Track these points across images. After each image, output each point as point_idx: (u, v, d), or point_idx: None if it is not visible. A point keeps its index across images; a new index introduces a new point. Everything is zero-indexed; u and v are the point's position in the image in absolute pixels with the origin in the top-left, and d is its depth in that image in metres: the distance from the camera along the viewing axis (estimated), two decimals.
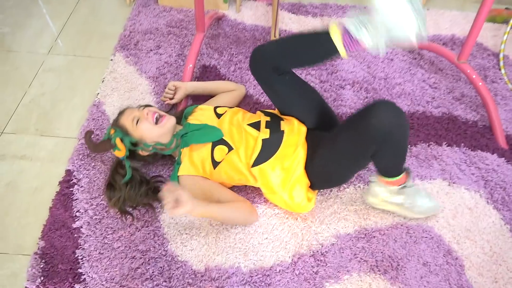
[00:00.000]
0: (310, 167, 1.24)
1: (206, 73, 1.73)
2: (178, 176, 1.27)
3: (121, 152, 1.29)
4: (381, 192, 1.27)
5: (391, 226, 1.30)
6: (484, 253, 1.26)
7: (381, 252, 1.25)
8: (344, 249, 1.25)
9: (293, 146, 1.25)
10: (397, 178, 1.23)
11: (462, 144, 1.52)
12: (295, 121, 1.31)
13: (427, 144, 1.52)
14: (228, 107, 1.42)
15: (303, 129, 1.29)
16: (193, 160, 1.27)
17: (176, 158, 1.32)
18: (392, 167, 1.23)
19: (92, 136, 1.49)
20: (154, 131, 1.27)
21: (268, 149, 1.24)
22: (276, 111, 1.39)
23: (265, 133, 1.27)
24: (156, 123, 1.28)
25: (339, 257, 1.23)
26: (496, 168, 1.46)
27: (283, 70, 1.21)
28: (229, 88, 1.58)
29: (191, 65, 1.61)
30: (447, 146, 1.52)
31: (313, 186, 1.28)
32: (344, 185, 1.40)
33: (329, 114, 1.34)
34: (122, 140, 1.27)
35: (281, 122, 1.31)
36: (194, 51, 1.62)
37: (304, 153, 1.25)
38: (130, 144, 1.27)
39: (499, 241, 1.29)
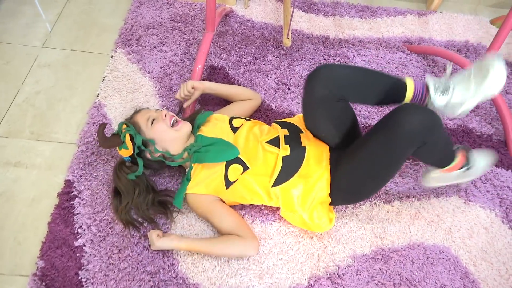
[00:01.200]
0: (334, 186, 1.18)
1: (214, 74, 1.63)
2: (186, 194, 1.20)
3: (127, 151, 1.20)
4: (446, 178, 1.26)
5: (408, 246, 1.27)
6: (501, 275, 1.24)
7: (399, 275, 1.21)
8: (361, 271, 1.21)
9: (317, 164, 1.19)
10: (454, 163, 1.21)
11: None
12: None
13: None
14: (244, 118, 1.34)
15: (325, 146, 1.23)
16: (204, 178, 1.19)
17: (187, 171, 1.24)
18: (444, 157, 1.20)
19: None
20: (169, 134, 1.20)
21: (289, 168, 1.18)
22: (292, 120, 1.32)
23: (285, 150, 1.19)
24: (172, 126, 1.22)
25: (356, 279, 1.19)
26: (511, 185, 1.43)
27: (343, 98, 1.13)
28: (246, 95, 1.48)
29: (200, 66, 1.50)
30: None
31: (334, 203, 1.23)
32: (360, 202, 1.35)
33: (356, 134, 1.26)
34: (132, 138, 1.20)
35: (301, 135, 1.24)
36: (203, 52, 1.51)
37: (328, 173, 1.18)
38: (140, 142, 1.20)
39: None
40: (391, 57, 1.79)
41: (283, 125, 1.29)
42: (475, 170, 1.25)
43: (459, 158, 1.21)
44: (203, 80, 1.60)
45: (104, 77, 1.58)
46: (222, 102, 1.52)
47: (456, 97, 1.09)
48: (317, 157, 1.20)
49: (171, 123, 1.22)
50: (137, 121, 1.23)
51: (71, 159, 1.35)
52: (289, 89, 1.62)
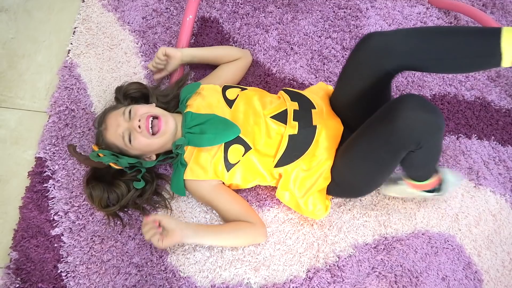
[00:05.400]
0: (332, 175, 1.07)
1: (205, 28, 1.40)
2: (184, 180, 1.06)
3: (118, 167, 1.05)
4: (407, 193, 1.14)
5: (412, 234, 1.20)
6: (504, 266, 1.20)
7: (401, 266, 1.15)
8: (362, 261, 1.15)
9: (326, 148, 1.05)
10: (427, 182, 1.09)
11: (493, 137, 1.37)
12: (331, 114, 1.10)
13: (456, 136, 1.36)
14: (239, 87, 1.15)
15: (339, 128, 1.08)
16: (202, 162, 1.05)
17: (179, 154, 1.08)
18: (422, 172, 1.07)
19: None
20: (154, 145, 1.02)
21: (295, 148, 1.04)
22: (303, 92, 1.15)
23: (292, 128, 1.05)
24: (153, 133, 1.01)
25: (356, 271, 1.13)
26: None
27: (403, 69, 0.94)
28: (233, 55, 1.27)
29: (191, 16, 1.26)
30: (477, 139, 1.36)
31: (328, 192, 1.12)
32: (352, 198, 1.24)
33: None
34: (117, 163, 1.02)
35: (313, 112, 1.08)
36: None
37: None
38: (127, 164, 1.03)
39: None
40: (409, 11, 1.56)
41: (293, 96, 1.11)
42: (441, 195, 1.15)
43: (435, 178, 1.09)
44: (193, 36, 1.38)
45: (75, 28, 1.33)
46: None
47: None
48: (328, 139, 1.06)
49: (150, 130, 1.00)
50: (111, 142, 1.02)
51: (41, 131, 1.18)
52: (292, 49, 1.41)
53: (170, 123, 1.02)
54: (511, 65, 0.85)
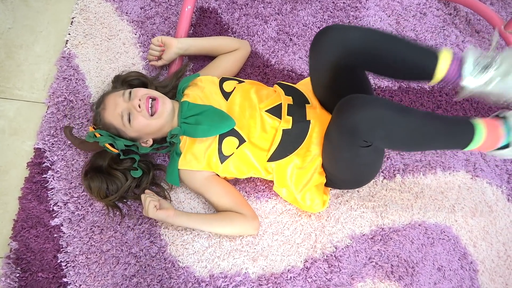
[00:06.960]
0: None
1: (204, 19, 1.39)
2: (179, 169, 1.07)
3: (114, 151, 1.05)
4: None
5: (409, 225, 1.21)
6: (499, 257, 1.21)
7: (397, 256, 1.17)
8: (359, 252, 1.16)
9: (320, 143, 1.06)
10: (473, 144, 0.91)
11: None
12: (325, 109, 1.10)
13: None
14: (236, 79, 1.15)
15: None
16: (196, 152, 1.05)
17: (175, 144, 1.09)
18: (437, 142, 0.95)
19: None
20: (152, 126, 1.02)
21: (289, 143, 1.05)
22: (298, 86, 1.16)
23: (286, 122, 1.05)
24: (152, 114, 1.01)
25: (353, 261, 1.15)
26: None
27: (356, 67, 0.96)
28: (231, 46, 1.26)
29: (189, 7, 1.25)
30: None
31: (328, 185, 1.14)
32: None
33: None
34: (113, 145, 1.02)
35: (307, 107, 1.09)
36: None
37: None
38: (124, 146, 1.03)
39: None
40: (409, 2, 1.55)
41: (288, 90, 1.12)
42: None
43: (482, 135, 0.90)
44: (192, 27, 1.37)
45: (72, 18, 1.32)
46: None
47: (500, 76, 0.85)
48: (321, 134, 1.06)
49: (150, 111, 1.01)
50: (109, 122, 1.02)
51: (40, 122, 1.18)
52: (291, 40, 1.40)
53: (167, 104, 1.03)
54: (433, 84, 0.92)
